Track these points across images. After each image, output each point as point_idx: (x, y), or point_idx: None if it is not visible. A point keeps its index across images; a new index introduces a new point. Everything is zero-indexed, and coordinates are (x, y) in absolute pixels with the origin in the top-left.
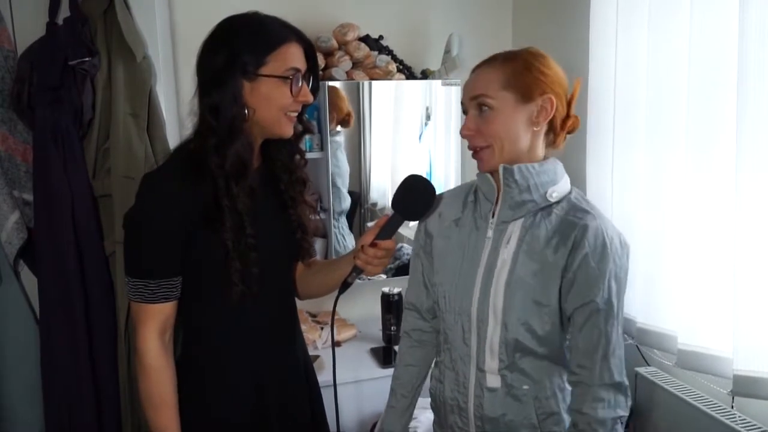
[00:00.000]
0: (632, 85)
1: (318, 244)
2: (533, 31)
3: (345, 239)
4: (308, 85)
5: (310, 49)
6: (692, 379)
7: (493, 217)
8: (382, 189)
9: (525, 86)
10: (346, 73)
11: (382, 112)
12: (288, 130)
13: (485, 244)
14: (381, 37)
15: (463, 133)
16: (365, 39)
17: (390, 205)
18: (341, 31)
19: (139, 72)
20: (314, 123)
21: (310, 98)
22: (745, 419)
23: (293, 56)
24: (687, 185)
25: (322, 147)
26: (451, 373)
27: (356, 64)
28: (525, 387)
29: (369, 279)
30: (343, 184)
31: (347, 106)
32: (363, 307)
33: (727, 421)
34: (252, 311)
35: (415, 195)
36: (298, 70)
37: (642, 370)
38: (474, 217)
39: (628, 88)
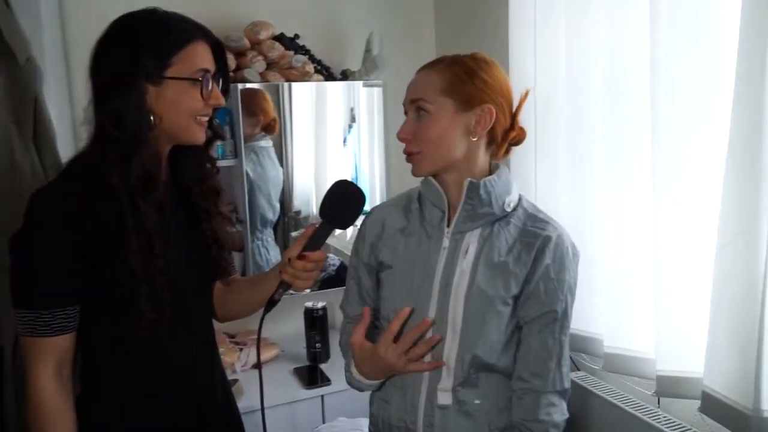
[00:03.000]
0: (552, 84)
1: (237, 257)
2: (456, 29)
3: (269, 252)
4: (218, 87)
5: (218, 48)
6: (620, 383)
7: (448, 226)
8: (306, 196)
9: (465, 94)
10: (260, 74)
11: (303, 116)
12: (200, 136)
13: (440, 255)
14: (296, 35)
15: (400, 136)
16: (280, 38)
17: (316, 213)
18: (253, 29)
19: (23, 76)
20: (226, 128)
21: (222, 101)
22: (669, 419)
23: (201, 56)
24: (608, 187)
25: (237, 154)
26: (399, 393)
27: (271, 64)
28: (477, 402)
29: (295, 294)
30: (274, 193)
31: (273, 110)
32: (285, 324)
33: (654, 422)
34: (164, 341)
35: (345, 201)
36: (207, 71)
37: (573, 375)
38: (423, 226)
39: (548, 87)
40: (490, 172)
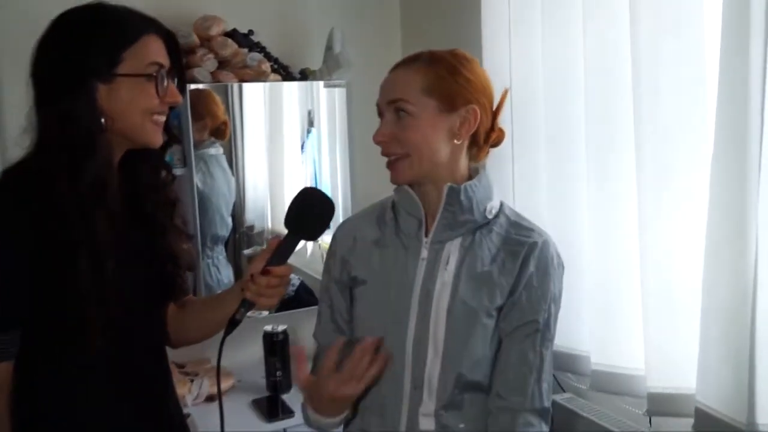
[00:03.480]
0: (529, 84)
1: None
2: (424, 24)
3: (220, 272)
4: (174, 84)
5: (172, 42)
6: (609, 403)
7: (426, 235)
8: (260, 210)
9: (448, 94)
10: (211, 74)
11: (256, 119)
12: (156, 138)
13: (419, 266)
14: (251, 31)
15: (378, 140)
16: (232, 34)
17: (272, 227)
18: (203, 24)
19: None
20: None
21: (179, 98)
22: None
23: (154, 50)
24: (591, 193)
25: (185, 162)
26: (377, 419)
27: (223, 63)
28: (461, 426)
29: (252, 316)
30: (225, 206)
31: (223, 112)
32: (241, 351)
33: None
34: (114, 368)
35: (312, 211)
36: (161, 66)
37: (558, 397)
38: (399, 236)
39: (525, 88)
40: (470, 177)
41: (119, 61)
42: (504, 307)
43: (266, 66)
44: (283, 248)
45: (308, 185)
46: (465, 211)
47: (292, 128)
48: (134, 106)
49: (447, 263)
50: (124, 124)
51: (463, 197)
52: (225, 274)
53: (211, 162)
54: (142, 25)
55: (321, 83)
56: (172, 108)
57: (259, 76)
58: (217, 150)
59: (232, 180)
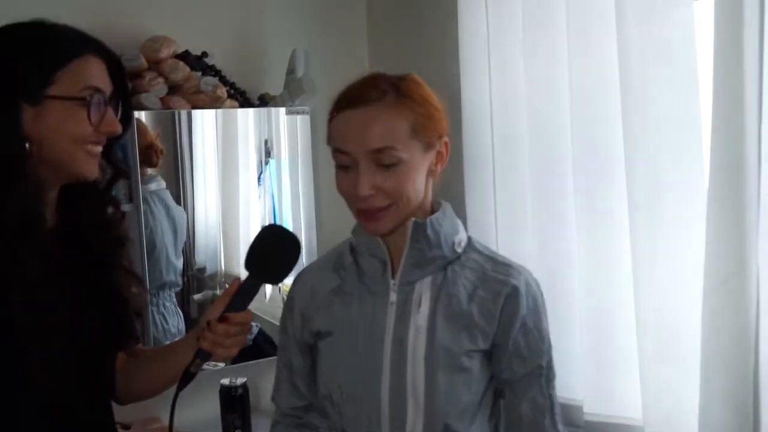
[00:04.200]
0: (511, 110)
1: None
2: (394, 45)
3: (167, 321)
4: (116, 113)
5: (116, 67)
6: None
7: (393, 277)
8: (212, 250)
9: (428, 131)
10: (161, 99)
11: (207, 149)
12: (89, 170)
13: (389, 312)
14: (205, 53)
15: (362, 195)
16: (184, 56)
17: (225, 270)
18: (152, 46)
19: None
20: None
21: (118, 128)
22: None
23: (92, 73)
24: (580, 231)
25: (132, 198)
26: None
27: (174, 88)
28: None
29: (207, 368)
30: (172, 247)
31: (148, 136)
32: (196, 407)
33: None
34: (52, 427)
35: (276, 250)
36: (98, 90)
37: None
38: (362, 281)
39: (507, 114)
40: (433, 210)
41: (51, 83)
42: (496, 355)
43: (222, 91)
44: (244, 292)
45: (267, 223)
46: (433, 247)
47: (248, 159)
48: (63, 133)
49: (419, 305)
50: (51, 151)
51: (429, 232)
52: (173, 322)
53: (152, 199)
54: (81, 45)
55: (282, 110)
56: (118, 139)
57: (213, 102)
58: (158, 185)
59: (182, 217)
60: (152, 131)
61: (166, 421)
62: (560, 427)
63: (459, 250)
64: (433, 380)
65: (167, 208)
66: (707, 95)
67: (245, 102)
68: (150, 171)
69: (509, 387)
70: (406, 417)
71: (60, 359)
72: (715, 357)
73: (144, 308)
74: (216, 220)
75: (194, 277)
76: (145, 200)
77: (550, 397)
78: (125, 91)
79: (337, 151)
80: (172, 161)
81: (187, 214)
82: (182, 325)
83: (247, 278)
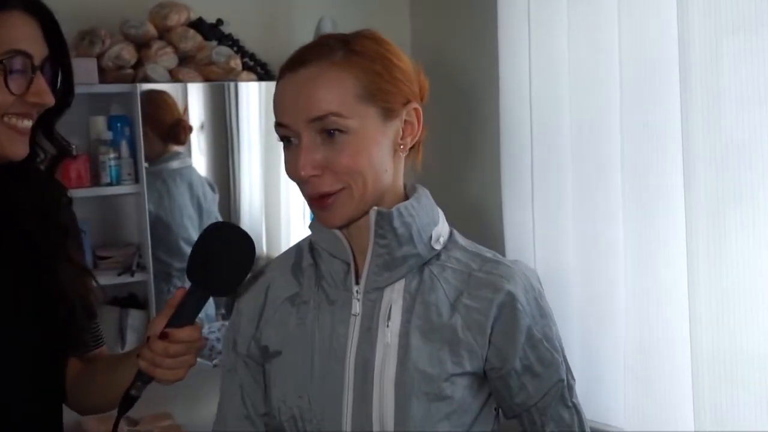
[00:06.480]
0: (552, 94)
1: (137, 318)
2: (435, 15)
3: None
4: (49, 81)
5: (50, 26)
6: None
7: (357, 282)
8: (256, 233)
9: (387, 94)
10: (170, 71)
11: (251, 127)
12: (13, 148)
13: (351, 326)
14: (220, 21)
15: (307, 174)
16: (197, 24)
17: (267, 253)
18: (160, 12)
19: None
20: (123, 143)
21: (48, 99)
22: None
23: (14, 32)
24: (628, 234)
25: (137, 178)
26: None
27: (185, 59)
28: None
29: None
30: (194, 230)
31: (176, 112)
32: (210, 404)
33: None
34: None
35: (221, 254)
36: (21, 53)
37: None
38: (321, 287)
39: (548, 99)
40: (406, 197)
41: None
42: (501, 379)
43: (236, 62)
44: (188, 305)
45: (222, 220)
46: (403, 243)
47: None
48: None
49: (389, 318)
50: None
51: (397, 224)
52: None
53: (171, 178)
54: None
55: None
56: (59, 113)
57: (227, 75)
58: (182, 162)
59: (209, 196)
60: (180, 107)
61: (177, 418)
62: None
63: (438, 247)
64: (404, 411)
65: (191, 187)
66: None
67: (265, 75)
68: (175, 148)
69: (526, 412)
70: None
71: None
72: None
73: (99, 307)
74: (259, 201)
75: None
76: (163, 180)
77: (576, 408)
78: (65, 56)
79: (276, 125)
80: (219, 138)
81: (232, 195)
82: (212, 312)
83: (190, 288)
